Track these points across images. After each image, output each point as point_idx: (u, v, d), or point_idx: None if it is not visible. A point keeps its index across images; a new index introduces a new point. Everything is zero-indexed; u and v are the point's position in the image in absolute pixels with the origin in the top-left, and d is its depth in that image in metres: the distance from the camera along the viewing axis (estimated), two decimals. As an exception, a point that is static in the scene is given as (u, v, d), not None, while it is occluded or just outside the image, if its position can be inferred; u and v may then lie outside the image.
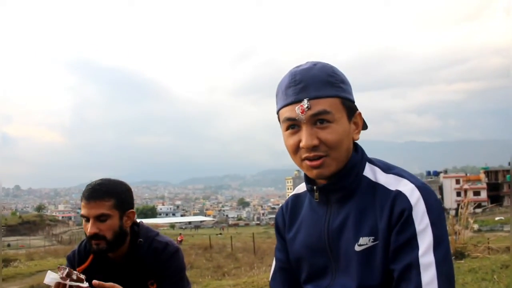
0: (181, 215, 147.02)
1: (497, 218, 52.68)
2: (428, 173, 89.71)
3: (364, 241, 1.28)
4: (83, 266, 1.76)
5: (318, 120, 1.27)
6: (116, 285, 1.72)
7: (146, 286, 1.88)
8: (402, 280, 1.20)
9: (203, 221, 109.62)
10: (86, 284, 1.67)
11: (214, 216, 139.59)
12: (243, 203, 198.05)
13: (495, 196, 77.20)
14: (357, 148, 1.40)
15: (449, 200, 70.19)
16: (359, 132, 1.38)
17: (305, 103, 1.26)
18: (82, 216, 1.84)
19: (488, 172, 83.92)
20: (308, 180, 1.42)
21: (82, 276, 1.69)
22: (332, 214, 1.37)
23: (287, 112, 1.30)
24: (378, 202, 1.30)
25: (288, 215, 1.54)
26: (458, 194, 71.07)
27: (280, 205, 1.64)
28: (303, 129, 1.28)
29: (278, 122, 1.38)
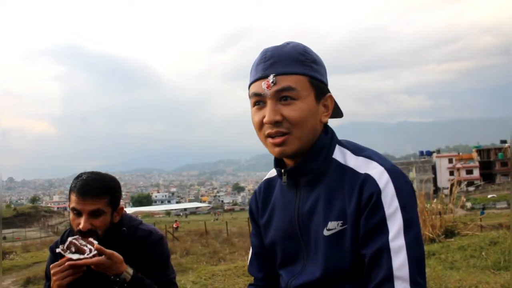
0: (177, 202, 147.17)
1: (489, 196, 53.23)
2: (421, 153, 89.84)
3: (333, 226, 1.26)
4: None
5: (283, 96, 1.26)
6: (115, 252, 1.75)
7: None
8: (373, 265, 1.18)
9: (199, 207, 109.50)
10: (88, 253, 1.72)
11: (209, 202, 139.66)
12: (238, 188, 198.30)
13: (488, 174, 77.78)
14: (327, 130, 1.37)
15: (442, 180, 70.68)
16: (328, 115, 1.35)
17: (271, 78, 1.25)
18: (74, 209, 1.81)
19: (480, 151, 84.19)
20: (277, 164, 1.40)
21: (84, 244, 1.74)
22: (301, 198, 1.35)
23: (254, 88, 1.30)
24: (346, 185, 1.27)
25: (261, 200, 1.52)
26: (451, 173, 71.64)
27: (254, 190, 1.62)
28: (268, 105, 1.27)
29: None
